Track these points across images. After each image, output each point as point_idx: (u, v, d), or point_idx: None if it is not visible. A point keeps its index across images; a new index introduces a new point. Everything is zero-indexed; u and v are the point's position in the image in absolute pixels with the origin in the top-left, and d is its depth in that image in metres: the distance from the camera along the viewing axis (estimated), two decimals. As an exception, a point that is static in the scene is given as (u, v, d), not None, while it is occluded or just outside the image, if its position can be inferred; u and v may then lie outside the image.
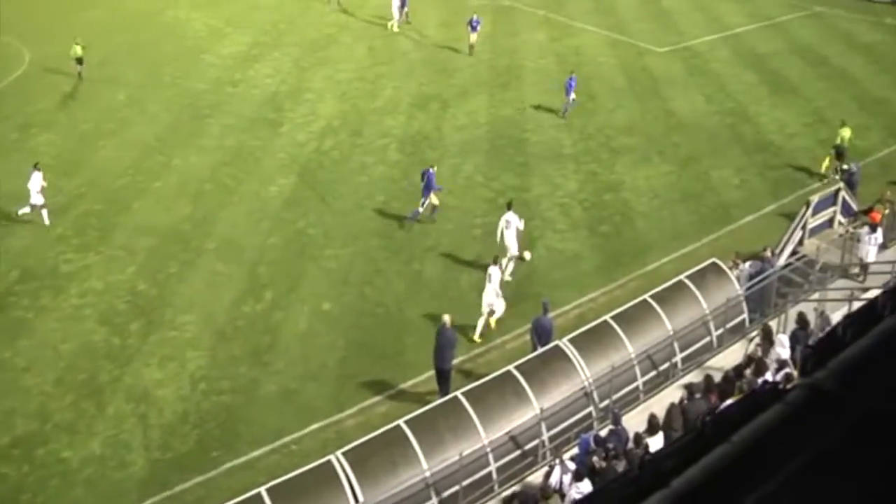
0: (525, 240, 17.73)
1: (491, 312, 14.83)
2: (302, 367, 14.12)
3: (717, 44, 32.69)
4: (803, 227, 16.12)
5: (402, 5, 33.79)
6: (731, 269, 14.57)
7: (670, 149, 22.49)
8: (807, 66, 29.60)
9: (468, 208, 19.10)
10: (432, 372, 13.46)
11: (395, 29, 33.23)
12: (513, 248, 16.07)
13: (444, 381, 13.12)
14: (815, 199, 16.20)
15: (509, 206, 16.50)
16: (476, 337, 14.67)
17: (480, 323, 14.72)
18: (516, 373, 11.66)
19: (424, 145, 22.61)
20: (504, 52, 31.31)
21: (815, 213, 16.22)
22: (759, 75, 28.68)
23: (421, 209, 18.20)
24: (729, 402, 10.04)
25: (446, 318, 13.21)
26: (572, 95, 24.19)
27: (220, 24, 35.86)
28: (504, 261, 15.79)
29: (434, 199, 18.24)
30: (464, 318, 13.88)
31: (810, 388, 1.02)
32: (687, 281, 13.80)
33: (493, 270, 14.89)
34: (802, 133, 23.57)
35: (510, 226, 16.15)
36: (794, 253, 15.92)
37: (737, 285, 14.08)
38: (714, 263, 14.26)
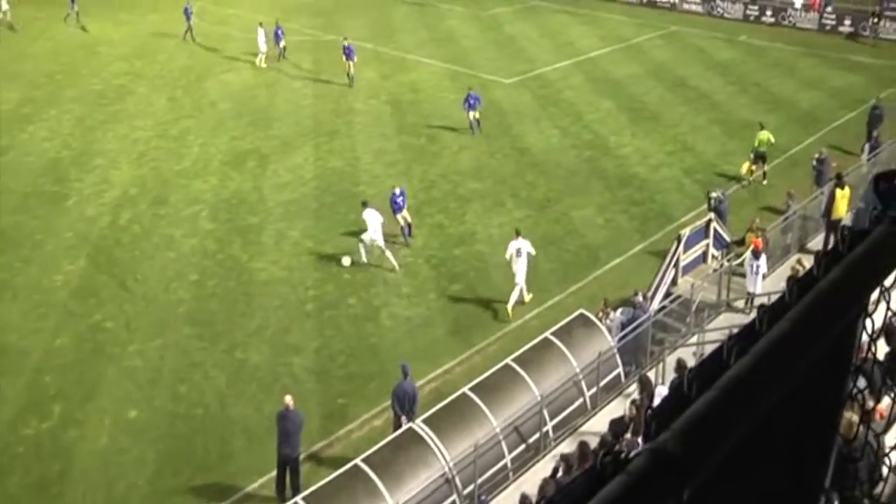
0: (367, 308, 18.42)
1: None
2: (104, 493, 13.77)
3: (569, 70, 35.79)
4: (675, 265, 17.02)
5: (278, 39, 35.62)
6: (600, 319, 15.49)
7: (525, 190, 24.22)
8: (666, 89, 33.03)
9: (298, 280, 19.56)
10: (272, 473, 13.61)
11: (263, 65, 34.93)
12: (520, 277, 18.42)
13: (294, 472, 13.31)
14: (685, 233, 17.10)
15: (518, 233, 18.65)
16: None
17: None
18: (365, 467, 11.98)
19: (243, 209, 22.95)
20: (329, 95, 32.59)
21: (686, 248, 17.16)
22: (617, 102, 31.66)
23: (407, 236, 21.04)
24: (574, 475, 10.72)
25: (288, 399, 13.48)
26: (474, 113, 27.58)
27: (-26, 77, 34.84)
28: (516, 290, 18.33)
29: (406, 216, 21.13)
30: (303, 405, 14.19)
31: (653, 453, 1.01)
32: (553, 338, 14.68)
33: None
34: (667, 163, 26.08)
35: (521, 253, 18.34)
36: (667, 295, 16.77)
37: (608, 336, 14.77)
38: (582, 315, 15.18)
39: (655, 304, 16.47)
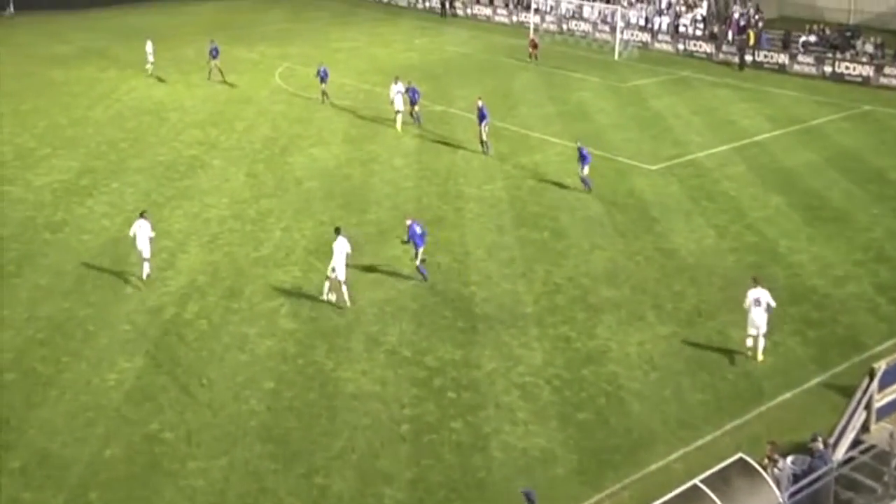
0: (474, 435, 18.92)
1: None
2: None
3: (729, 156, 36.33)
4: (867, 407, 16.38)
5: (414, 99, 40.05)
6: (765, 467, 15.11)
7: (671, 301, 24.53)
8: (854, 183, 33.05)
9: (392, 395, 20.26)
10: None
11: (399, 128, 39.40)
12: (761, 328, 21.87)
13: None
14: (881, 367, 16.38)
15: (755, 281, 22.16)
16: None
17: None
18: None
19: (329, 308, 24.10)
20: (436, 176, 34.13)
21: (882, 386, 16.43)
22: (790, 197, 31.87)
23: (418, 263, 25.15)
24: None
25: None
26: (586, 169, 31.85)
27: (32, 143, 38.17)
28: None
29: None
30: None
31: None
32: (703, 486, 14.46)
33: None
34: (855, 275, 25.93)
35: (760, 302, 21.71)
36: (856, 443, 16.24)
37: (776, 491, 14.31)
38: (741, 460, 14.81)
39: (840, 455, 16.06)
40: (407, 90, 39.64)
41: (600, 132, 39.74)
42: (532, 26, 60.32)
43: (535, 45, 54.13)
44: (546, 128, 39.90)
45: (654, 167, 34.99)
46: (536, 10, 63.30)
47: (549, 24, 64.32)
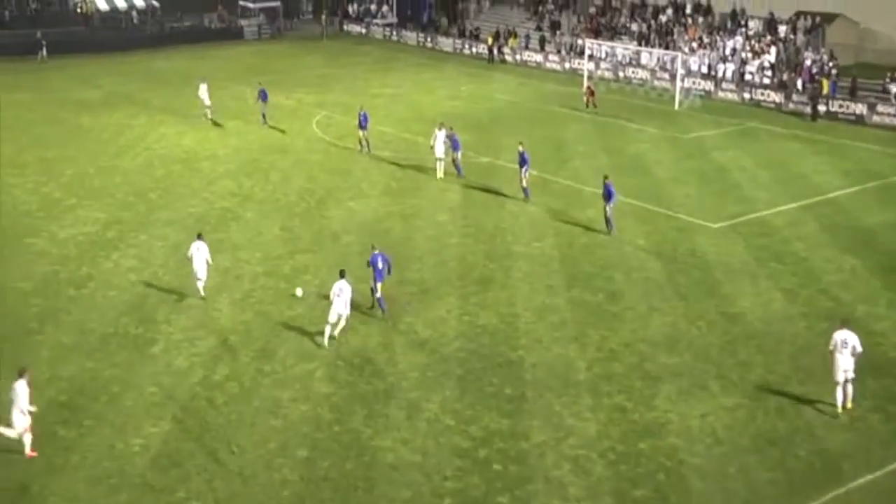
0: (523, 513, 18.93)
1: None
2: None
3: (799, 215, 36.31)
4: None
5: (456, 146, 41.21)
6: None
7: (736, 371, 24.44)
8: (939, 244, 32.88)
9: (433, 467, 20.31)
10: None
11: (441, 174, 40.76)
12: (849, 372, 22.75)
13: None
14: None
15: (843, 323, 23.24)
16: None
17: None
18: None
19: (367, 371, 24.34)
20: (482, 232, 34.50)
21: None
22: (867, 259, 31.72)
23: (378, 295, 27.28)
24: None
25: None
26: (610, 207, 33.66)
27: (58, 193, 39.25)
28: None
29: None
30: None
31: None
32: None
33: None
34: (940, 344, 25.78)
35: (847, 344, 22.53)
36: None
37: None
38: None
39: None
40: (448, 137, 40.53)
41: (658, 187, 39.94)
42: (586, 73, 61.07)
43: (591, 93, 54.72)
44: (600, 181, 40.07)
45: (716, 225, 35.07)
46: (591, 57, 64.07)
47: (604, 71, 65.04)
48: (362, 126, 44.38)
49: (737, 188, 39.80)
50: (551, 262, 31.52)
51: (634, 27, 69.90)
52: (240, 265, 31.29)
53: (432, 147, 40.58)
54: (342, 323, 25.62)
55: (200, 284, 28.59)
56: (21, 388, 20.63)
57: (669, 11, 69.39)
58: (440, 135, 40.42)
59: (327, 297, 26.04)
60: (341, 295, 25.30)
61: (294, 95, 57.87)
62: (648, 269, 30.86)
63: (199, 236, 28.83)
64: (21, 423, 20.59)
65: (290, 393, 23.24)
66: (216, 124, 50.85)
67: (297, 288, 28.42)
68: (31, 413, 20.63)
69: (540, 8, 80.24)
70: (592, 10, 75.44)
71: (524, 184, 37.56)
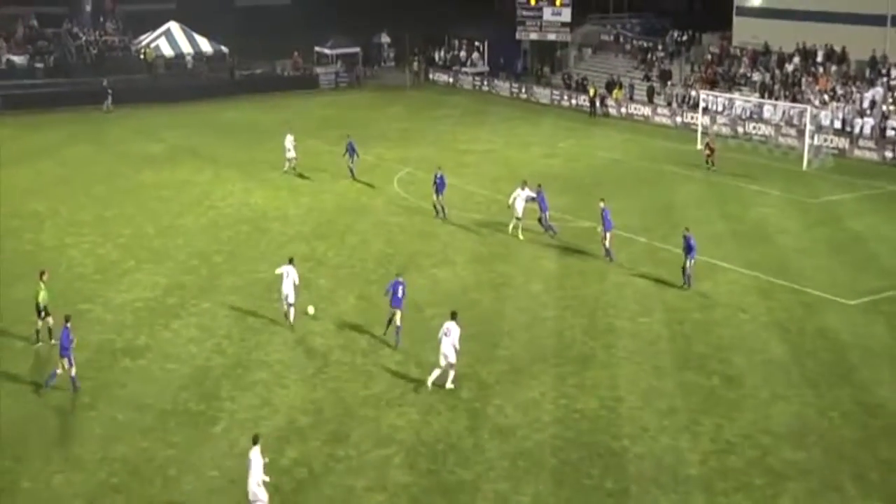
0: None
1: None
2: None
3: (950, 291, 35.55)
4: None
5: (543, 206, 42.37)
6: None
7: (877, 470, 23.78)
8: None
9: (526, 570, 20.22)
10: None
11: (520, 235, 41.78)
12: None
13: None
14: None
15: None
16: None
17: None
18: None
19: (451, 459, 24.33)
20: (581, 305, 34.44)
21: None
22: None
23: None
24: None
25: None
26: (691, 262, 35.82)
27: (115, 255, 40.37)
28: None
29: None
30: None
31: None
32: None
33: None
34: None
35: None
36: None
37: None
38: None
39: None
40: (534, 198, 41.42)
41: (783, 257, 39.52)
42: (700, 128, 60.87)
43: (711, 150, 54.54)
44: (715, 250, 39.92)
45: (852, 302, 34.52)
46: (706, 110, 64.03)
47: (721, 126, 64.85)
48: (438, 190, 44.93)
49: (875, 260, 39.17)
50: (659, 341, 31.29)
51: (756, 77, 69.73)
52: (311, 337, 31.67)
53: (511, 206, 41.44)
54: (448, 371, 27.85)
55: (291, 311, 32.26)
56: (255, 458, 21.39)
57: (797, 59, 69.08)
58: (522, 194, 41.19)
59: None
60: (449, 335, 27.75)
61: (373, 150, 58.83)
62: (771, 351, 30.42)
63: (291, 261, 32.65)
64: (261, 497, 21.37)
65: (364, 481, 23.32)
66: (302, 176, 52.40)
67: (310, 306, 32.19)
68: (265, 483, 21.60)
69: (648, 56, 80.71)
70: (708, 57, 75.58)
71: (607, 244, 38.58)
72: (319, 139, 61.15)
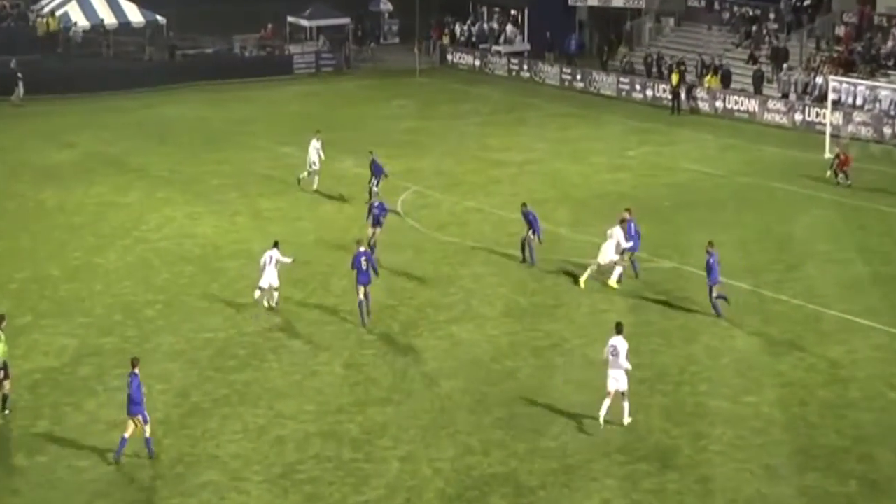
0: None
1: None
2: None
3: None
4: None
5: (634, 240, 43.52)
6: None
7: None
8: None
9: None
10: None
11: (615, 284, 42.35)
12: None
13: None
14: None
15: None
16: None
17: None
18: None
19: None
20: (661, 377, 34.42)
21: None
22: None
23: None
24: None
25: None
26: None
27: (4, 305, 40.42)
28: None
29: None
30: None
31: None
32: None
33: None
34: None
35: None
36: None
37: None
38: None
39: None
40: (623, 226, 41.92)
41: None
42: (829, 129, 60.83)
43: (845, 161, 54.47)
44: (852, 300, 39.91)
45: None
46: (837, 104, 63.95)
47: (860, 126, 64.77)
48: (533, 228, 44.41)
49: None
50: (771, 429, 31.11)
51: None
52: (281, 423, 31.58)
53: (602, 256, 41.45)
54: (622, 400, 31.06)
55: (275, 295, 39.28)
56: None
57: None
58: (616, 233, 41.36)
59: None
60: (617, 355, 31.09)
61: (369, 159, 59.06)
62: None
63: (276, 245, 39.27)
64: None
65: None
66: (326, 197, 53.35)
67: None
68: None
69: (756, 28, 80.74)
70: (841, 30, 75.61)
71: (713, 298, 38.86)
72: (295, 146, 61.35)
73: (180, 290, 41.89)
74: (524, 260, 43.90)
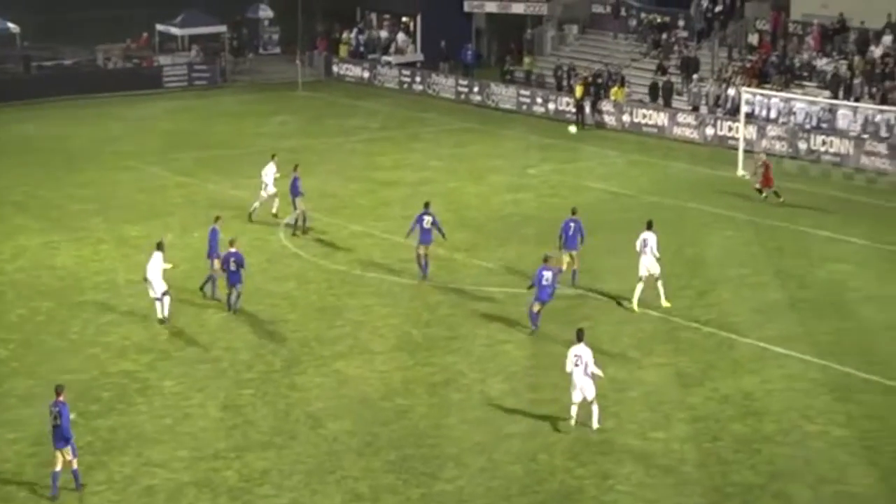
0: None
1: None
2: None
3: None
4: None
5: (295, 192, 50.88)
6: None
7: None
8: None
9: None
10: None
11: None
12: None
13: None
14: None
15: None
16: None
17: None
18: None
19: None
20: (563, 409, 34.58)
21: None
22: None
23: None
24: None
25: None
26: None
27: None
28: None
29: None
30: None
31: None
32: None
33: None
34: None
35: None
36: None
37: None
38: None
39: None
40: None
41: (869, 338, 40.17)
42: (742, 144, 61.53)
43: (766, 169, 55.61)
44: (767, 327, 40.59)
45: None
46: (750, 117, 64.71)
47: (774, 140, 65.62)
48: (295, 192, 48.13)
49: None
50: (682, 466, 31.41)
51: (825, 65, 70.72)
52: (151, 472, 31.32)
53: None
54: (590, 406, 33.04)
55: (164, 304, 41.18)
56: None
57: (888, 39, 70.12)
58: (650, 240, 42.38)
59: None
60: (582, 364, 32.77)
61: (246, 180, 58.83)
62: (852, 480, 30.64)
63: (159, 246, 41.44)
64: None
65: None
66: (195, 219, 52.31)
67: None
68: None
69: (664, 36, 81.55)
70: (754, 38, 76.61)
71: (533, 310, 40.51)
72: (164, 166, 61.15)
73: (37, 327, 41.48)
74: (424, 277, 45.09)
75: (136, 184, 57.16)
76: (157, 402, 35.32)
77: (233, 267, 41.19)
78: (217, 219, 44.40)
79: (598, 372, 33.03)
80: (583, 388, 32.61)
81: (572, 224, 44.51)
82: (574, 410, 32.67)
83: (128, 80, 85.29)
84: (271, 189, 53.52)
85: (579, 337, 33.27)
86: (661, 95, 74.43)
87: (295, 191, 51.54)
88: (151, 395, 35.73)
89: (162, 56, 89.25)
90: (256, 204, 53.43)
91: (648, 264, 41.42)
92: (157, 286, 40.81)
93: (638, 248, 42.06)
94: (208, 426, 34.00)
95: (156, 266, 40.83)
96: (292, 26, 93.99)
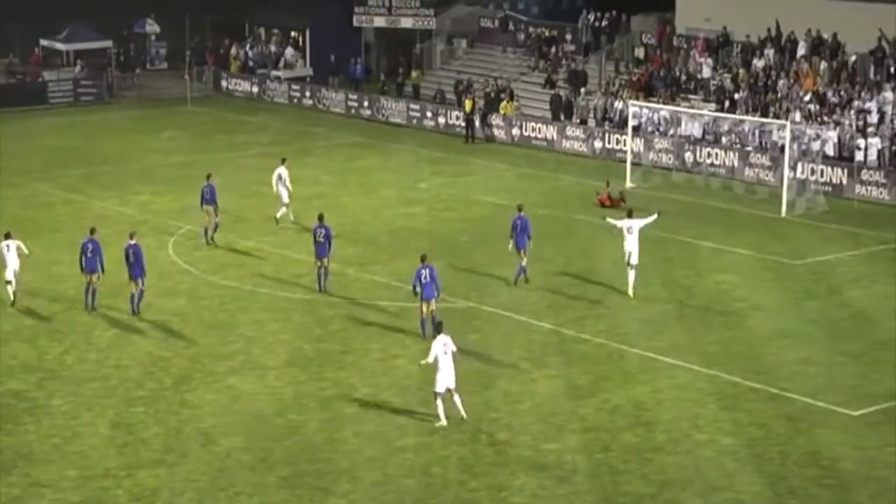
0: None
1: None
2: None
3: None
4: None
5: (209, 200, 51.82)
6: None
7: None
8: None
9: None
10: None
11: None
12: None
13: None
14: None
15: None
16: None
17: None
18: None
19: None
20: (457, 422, 34.62)
21: None
22: None
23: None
24: None
25: None
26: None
27: None
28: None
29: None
30: None
31: None
32: None
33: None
34: None
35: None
36: None
37: None
38: None
39: None
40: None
41: (755, 346, 40.64)
42: (630, 156, 61.99)
43: (612, 202, 57.14)
44: (657, 337, 40.98)
45: (856, 412, 35.29)
46: (637, 129, 65.20)
47: (661, 153, 66.11)
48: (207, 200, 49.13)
49: (888, 348, 40.13)
50: (575, 476, 31.49)
51: (710, 77, 71.36)
52: (39, 492, 30.96)
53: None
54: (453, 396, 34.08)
55: (11, 288, 43.92)
56: None
57: (770, 53, 70.92)
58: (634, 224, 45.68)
59: None
60: (447, 353, 34.16)
61: (134, 197, 58.37)
62: (740, 488, 30.88)
63: (8, 235, 43.35)
64: None
65: None
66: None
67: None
68: None
69: (552, 49, 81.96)
70: (640, 51, 77.21)
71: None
72: (50, 183, 60.56)
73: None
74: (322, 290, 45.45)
75: (22, 200, 56.53)
76: (46, 421, 34.95)
77: (132, 259, 42.55)
78: (93, 231, 44.84)
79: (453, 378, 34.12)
80: (449, 376, 33.71)
81: (518, 222, 45.88)
82: (441, 408, 33.61)
83: (10, 96, 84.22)
84: (286, 199, 54.87)
85: (439, 329, 34.87)
86: (561, 110, 74.45)
87: (210, 199, 51.77)
88: (39, 415, 35.35)
89: (46, 71, 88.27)
90: (284, 209, 54.73)
91: (631, 248, 44.33)
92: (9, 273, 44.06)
93: (624, 232, 44.98)
94: (98, 444, 33.67)
95: (13, 255, 44.02)
96: (180, 41, 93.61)
